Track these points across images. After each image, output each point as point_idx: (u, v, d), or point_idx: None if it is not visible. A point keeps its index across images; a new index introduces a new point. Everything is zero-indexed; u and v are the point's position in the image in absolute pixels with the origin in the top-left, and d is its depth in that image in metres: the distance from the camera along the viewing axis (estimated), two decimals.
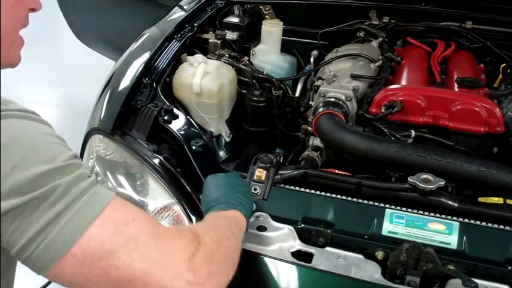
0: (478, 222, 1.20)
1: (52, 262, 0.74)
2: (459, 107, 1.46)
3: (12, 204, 0.72)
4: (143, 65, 1.59)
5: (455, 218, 1.21)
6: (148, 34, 1.84)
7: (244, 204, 1.11)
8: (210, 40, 1.82)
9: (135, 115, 1.43)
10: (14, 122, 0.75)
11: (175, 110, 1.49)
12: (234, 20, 1.93)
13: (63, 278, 0.78)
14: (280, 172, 1.33)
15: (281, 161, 1.42)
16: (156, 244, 0.79)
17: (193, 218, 1.28)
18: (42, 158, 0.74)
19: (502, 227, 1.19)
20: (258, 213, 1.25)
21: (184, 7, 2.02)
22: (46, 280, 1.51)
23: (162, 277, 0.77)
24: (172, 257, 0.79)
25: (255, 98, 1.65)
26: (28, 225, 0.73)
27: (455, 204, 1.23)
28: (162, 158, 1.34)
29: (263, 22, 1.90)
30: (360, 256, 1.17)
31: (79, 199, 0.76)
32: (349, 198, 1.27)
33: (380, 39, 1.84)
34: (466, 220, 1.21)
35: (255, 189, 1.29)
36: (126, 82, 1.53)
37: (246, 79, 1.69)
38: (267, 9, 2.04)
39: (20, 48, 0.91)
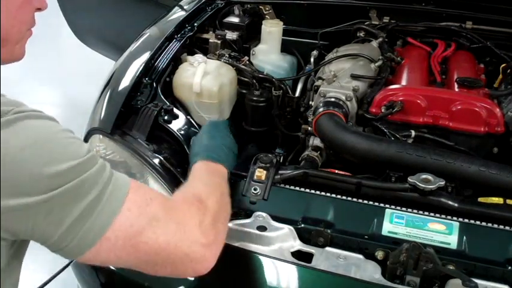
0: (478, 222, 1.20)
1: (88, 248, 0.82)
2: (459, 107, 1.46)
3: (45, 198, 0.76)
4: (143, 65, 1.59)
5: (455, 218, 1.21)
6: (148, 34, 1.84)
7: (230, 161, 1.26)
8: (210, 40, 1.82)
9: (135, 115, 1.43)
10: (32, 122, 0.79)
11: (175, 110, 1.49)
12: (234, 20, 1.93)
13: (96, 260, 0.87)
14: (280, 172, 1.33)
15: (281, 161, 1.42)
16: (172, 218, 0.90)
17: None
18: (67, 154, 0.80)
19: (502, 227, 1.19)
20: (258, 213, 1.25)
21: (185, 7, 2.03)
22: (45, 278, 1.51)
23: (182, 245, 0.89)
24: (186, 227, 0.91)
25: (255, 98, 1.65)
26: (63, 217, 0.78)
27: (455, 204, 1.23)
28: (162, 158, 1.34)
29: (263, 22, 1.90)
30: (360, 256, 1.17)
31: (106, 188, 0.83)
32: (349, 198, 1.27)
33: (380, 39, 1.84)
34: (466, 220, 1.20)
35: (255, 189, 1.29)
36: (126, 82, 1.54)
37: (246, 79, 1.69)
38: (267, 9, 2.04)
39: (25, 43, 0.93)
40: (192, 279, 1.19)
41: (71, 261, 1.34)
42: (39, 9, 0.93)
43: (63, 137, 0.82)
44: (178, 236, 0.89)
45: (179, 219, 0.91)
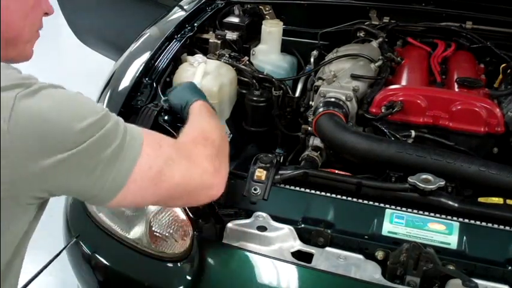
0: (478, 223, 1.20)
1: (118, 192, 0.90)
2: (459, 107, 1.46)
3: (75, 152, 0.84)
4: (143, 65, 1.59)
5: (455, 218, 1.21)
6: (148, 34, 1.84)
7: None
8: (210, 40, 1.83)
9: (135, 115, 1.44)
10: (52, 90, 0.87)
11: None
12: (234, 20, 1.93)
13: (124, 203, 0.99)
14: (280, 172, 1.32)
15: (281, 161, 1.42)
16: (182, 155, 1.01)
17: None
18: (88, 111, 0.88)
19: (502, 227, 1.19)
20: (258, 213, 1.25)
21: (185, 7, 2.03)
22: (44, 278, 1.51)
23: (195, 177, 1.02)
24: (196, 161, 1.03)
25: (255, 98, 1.65)
26: (95, 166, 0.86)
27: (455, 204, 1.23)
28: None
29: (263, 22, 1.90)
30: (360, 256, 1.17)
31: (125, 137, 0.91)
32: (349, 198, 1.27)
33: (380, 39, 1.84)
34: (466, 220, 1.20)
35: (255, 189, 1.29)
36: (126, 82, 1.54)
37: (246, 79, 1.70)
38: (267, 9, 2.04)
39: (34, 43, 1.00)
40: (190, 278, 1.20)
41: (62, 252, 1.36)
42: (46, 14, 0.99)
43: (80, 98, 0.90)
44: (191, 170, 1.01)
45: (189, 155, 1.02)
